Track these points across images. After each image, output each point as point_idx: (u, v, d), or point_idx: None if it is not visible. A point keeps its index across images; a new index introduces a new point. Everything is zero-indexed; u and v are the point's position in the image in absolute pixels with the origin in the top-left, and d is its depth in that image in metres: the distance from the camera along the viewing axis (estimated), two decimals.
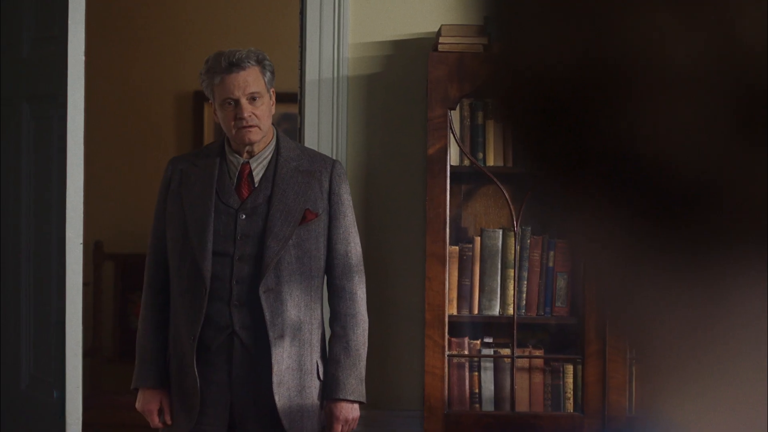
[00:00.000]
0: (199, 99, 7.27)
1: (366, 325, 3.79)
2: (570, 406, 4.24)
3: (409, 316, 4.31)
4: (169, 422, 3.78)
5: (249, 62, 3.69)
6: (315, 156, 3.85)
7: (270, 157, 3.77)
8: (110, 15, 7.05)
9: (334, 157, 4.24)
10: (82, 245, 4.13)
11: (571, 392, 4.23)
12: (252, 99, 3.68)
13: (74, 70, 4.09)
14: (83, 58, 4.11)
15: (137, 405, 3.81)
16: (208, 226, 3.70)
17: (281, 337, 3.66)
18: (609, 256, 0.55)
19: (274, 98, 3.77)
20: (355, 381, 3.76)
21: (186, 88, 7.24)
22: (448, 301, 4.20)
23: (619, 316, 0.56)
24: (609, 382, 4.15)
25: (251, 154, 3.75)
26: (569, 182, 0.55)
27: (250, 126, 3.68)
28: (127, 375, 6.89)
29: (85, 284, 4.24)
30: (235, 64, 3.68)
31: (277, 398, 3.66)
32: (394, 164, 4.45)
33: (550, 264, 4.25)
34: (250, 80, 3.69)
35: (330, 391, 3.76)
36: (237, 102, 3.67)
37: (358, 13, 4.50)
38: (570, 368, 4.24)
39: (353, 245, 3.79)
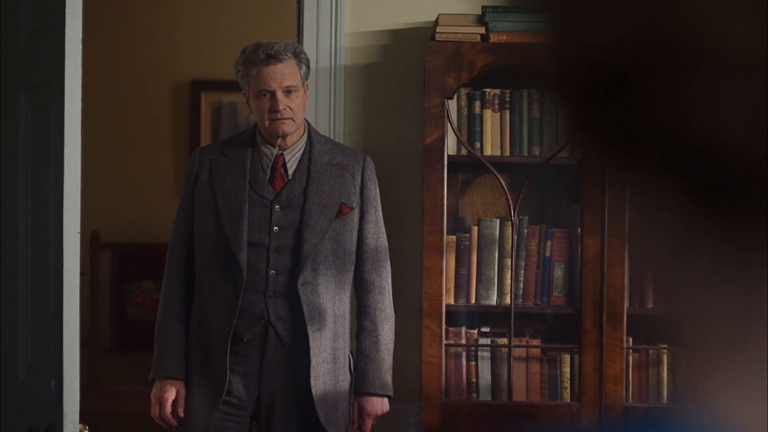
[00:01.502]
0: (196, 87, 7.25)
1: (393, 320, 3.83)
2: (567, 395, 4.24)
3: (407, 305, 4.31)
4: (181, 415, 3.76)
5: (286, 55, 3.71)
6: (346, 150, 3.89)
7: (303, 150, 3.78)
8: (107, 4, 7.04)
9: None
10: (79, 235, 4.13)
11: (568, 381, 4.24)
12: (288, 92, 3.69)
13: (71, 60, 4.08)
14: (80, 47, 4.10)
15: (153, 394, 3.78)
16: (243, 217, 3.69)
17: (319, 330, 3.67)
18: (665, 243, 0.54)
19: (308, 92, 3.79)
20: (384, 375, 3.78)
21: (183, 77, 7.22)
22: (446, 290, 4.20)
23: (675, 305, 0.56)
24: (606, 371, 4.16)
25: (282, 147, 3.75)
26: (632, 167, 0.54)
27: (285, 118, 3.69)
28: (123, 365, 6.92)
29: (81, 274, 4.23)
30: (273, 56, 3.69)
31: (314, 391, 3.66)
32: (392, 154, 4.45)
33: (547, 254, 4.26)
34: (287, 73, 3.70)
35: (359, 385, 3.77)
36: (273, 94, 3.68)
37: (356, 3, 4.49)
38: (567, 358, 4.25)
39: (382, 239, 3.82)
